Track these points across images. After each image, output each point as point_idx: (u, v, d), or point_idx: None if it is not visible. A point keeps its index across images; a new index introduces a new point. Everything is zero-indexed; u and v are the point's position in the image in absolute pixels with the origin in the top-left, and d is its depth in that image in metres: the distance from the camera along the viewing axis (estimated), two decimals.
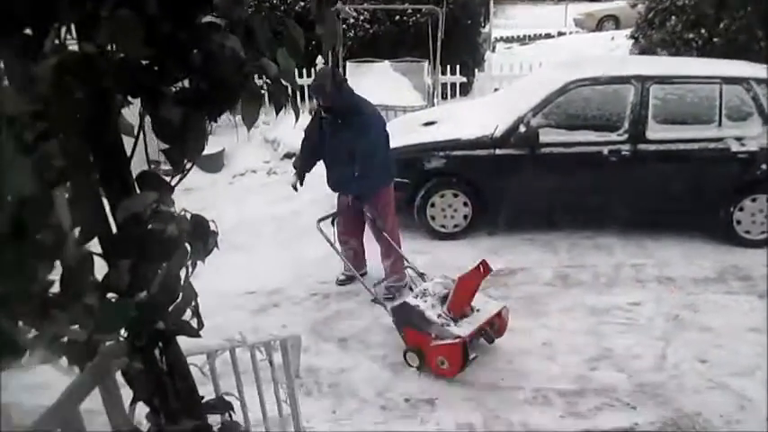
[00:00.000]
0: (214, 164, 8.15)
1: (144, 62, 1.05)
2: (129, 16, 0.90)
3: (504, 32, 19.71)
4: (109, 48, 0.97)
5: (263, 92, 1.23)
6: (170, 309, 1.14)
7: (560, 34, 19.25)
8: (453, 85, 10.17)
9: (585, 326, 4.66)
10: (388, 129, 5.05)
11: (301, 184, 5.35)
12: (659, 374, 4.11)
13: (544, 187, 5.91)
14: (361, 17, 10.88)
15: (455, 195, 6.11)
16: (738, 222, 5.75)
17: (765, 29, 8.18)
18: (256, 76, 1.18)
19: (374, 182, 4.86)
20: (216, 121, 1.19)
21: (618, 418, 3.75)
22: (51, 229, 0.85)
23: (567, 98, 5.84)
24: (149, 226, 1.07)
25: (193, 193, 7.60)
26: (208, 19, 1.11)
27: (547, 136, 5.77)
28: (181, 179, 1.22)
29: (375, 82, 9.70)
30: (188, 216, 1.36)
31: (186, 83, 1.12)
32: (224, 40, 1.05)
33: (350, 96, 4.78)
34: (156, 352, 1.22)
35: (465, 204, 6.12)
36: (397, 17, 10.70)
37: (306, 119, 9.44)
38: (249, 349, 2.35)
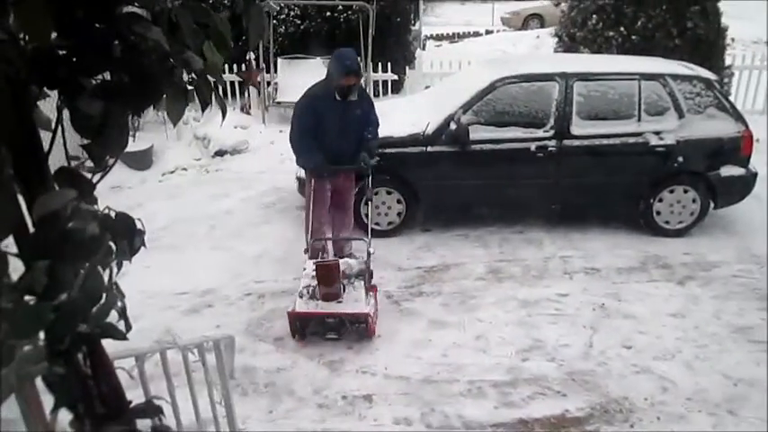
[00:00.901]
0: (142, 161, 7.90)
1: (62, 52, 1.00)
2: (38, 2, 0.86)
3: (433, 30, 19.99)
4: (23, 36, 0.92)
5: (188, 87, 1.19)
6: (93, 311, 1.09)
7: (488, 32, 19.68)
8: (385, 82, 10.21)
9: (517, 318, 4.77)
10: None
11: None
12: (587, 362, 4.25)
13: (475, 184, 6.02)
14: (292, 13, 10.79)
15: (389, 193, 6.13)
16: (658, 213, 6.01)
17: (679, 26, 8.58)
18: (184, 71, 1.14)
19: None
20: (140, 116, 1.15)
21: (549, 406, 3.86)
22: None
23: (495, 96, 5.95)
24: (69, 225, 1.02)
25: (121, 192, 7.38)
26: (129, 9, 1.07)
27: (476, 133, 5.86)
28: (103, 176, 1.18)
29: (307, 78, 9.59)
30: (112, 214, 1.31)
31: (108, 76, 1.08)
32: (146, 32, 1.02)
33: None
34: (80, 356, 1.17)
35: (398, 202, 6.15)
36: (328, 13, 10.65)
37: (232, 115, 9.33)
38: (181, 351, 2.29)
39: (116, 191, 7.32)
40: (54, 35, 0.94)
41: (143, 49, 1.03)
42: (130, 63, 1.04)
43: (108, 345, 1.41)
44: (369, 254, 4.91)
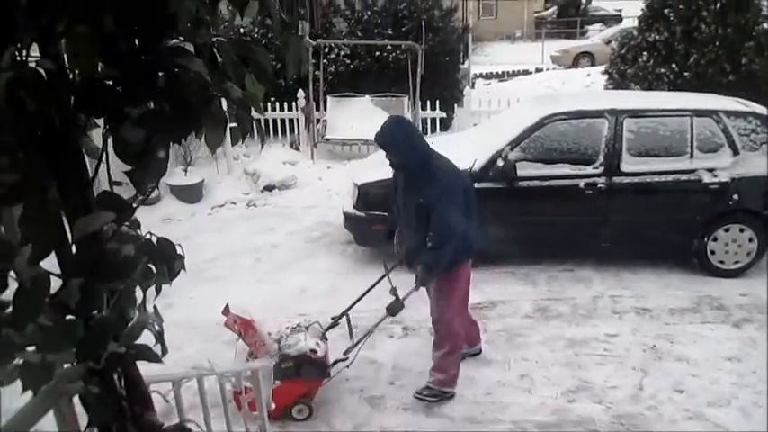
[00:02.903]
0: (193, 195, 8.13)
1: (108, 82, 1.05)
2: (85, 33, 0.90)
3: (483, 69, 20.12)
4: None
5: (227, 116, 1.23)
6: (124, 330, 1.12)
7: (538, 71, 19.69)
8: (433, 120, 10.29)
9: (564, 358, 4.65)
10: (470, 193, 4.12)
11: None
12: (637, 405, 4.09)
13: (523, 220, 5.96)
14: (342, 52, 11.03)
15: None
16: (712, 252, 5.81)
17: (733, 63, 8.41)
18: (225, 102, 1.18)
19: (448, 256, 3.91)
20: (180, 144, 1.19)
21: None
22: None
23: (544, 132, 5.92)
24: (106, 246, 1.06)
25: (172, 224, 7.59)
26: (174, 43, 1.12)
27: (524, 170, 5.83)
28: (142, 200, 1.21)
29: (356, 116, 9.81)
30: (154, 239, 1.35)
31: (151, 105, 1.12)
32: (188, 63, 1.06)
33: (423, 152, 3.87)
34: (115, 377, 1.19)
35: None
36: (378, 53, 10.85)
37: (281, 151, 9.52)
38: (218, 378, 2.31)
39: (167, 223, 7.53)
40: (101, 66, 0.98)
41: (184, 79, 1.07)
42: (173, 93, 1.08)
43: (146, 369, 1.44)
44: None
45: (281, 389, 3.64)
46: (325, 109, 10.18)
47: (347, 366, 4.17)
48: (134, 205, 1.22)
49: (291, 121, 10.47)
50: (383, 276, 4.35)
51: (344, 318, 4.46)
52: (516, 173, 5.81)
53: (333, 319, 4.50)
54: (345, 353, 4.14)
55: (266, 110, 10.51)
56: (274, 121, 10.54)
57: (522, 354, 4.73)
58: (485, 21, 32.87)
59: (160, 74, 1.08)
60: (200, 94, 1.09)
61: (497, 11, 34.51)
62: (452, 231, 3.80)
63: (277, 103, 10.52)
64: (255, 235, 7.19)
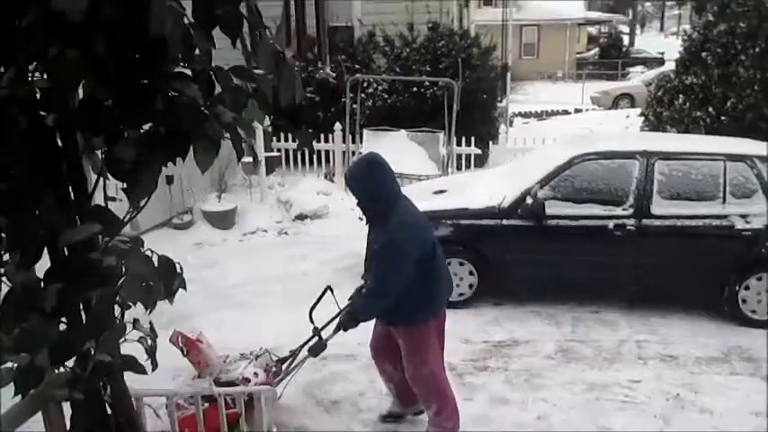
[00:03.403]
0: (226, 221, 8.28)
1: (108, 103, 1.12)
2: (74, 57, 0.97)
3: (522, 107, 20.18)
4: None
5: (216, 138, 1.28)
6: (100, 338, 1.17)
7: (577, 111, 19.66)
8: (468, 156, 10.32)
9: (583, 401, 4.55)
10: (437, 249, 3.81)
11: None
12: None
13: (550, 259, 5.92)
14: (380, 87, 11.20)
15: (461, 264, 6.11)
16: (744, 301, 5.65)
17: None
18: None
19: (377, 311, 3.81)
20: (174, 164, 1.25)
21: None
22: None
23: (574, 171, 5.90)
24: (90, 255, 1.11)
25: (203, 248, 7.73)
26: (175, 69, 1.18)
27: (553, 208, 5.81)
28: (132, 217, 1.27)
29: (391, 150, 9.88)
30: (155, 258, 1.41)
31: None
32: (183, 88, 1.12)
33: (387, 199, 3.58)
34: (101, 386, 1.24)
35: (471, 273, 6.12)
36: (415, 89, 10.98)
37: (315, 181, 9.66)
38: (216, 397, 2.33)
39: (199, 247, 7.68)
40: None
41: (178, 103, 1.13)
42: (168, 116, 1.14)
43: (143, 383, 1.49)
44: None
45: (208, 411, 3.40)
46: (361, 142, 10.31)
47: (277, 399, 4.06)
48: (126, 220, 1.28)
49: (327, 152, 10.64)
50: (315, 301, 4.24)
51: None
52: (545, 211, 5.79)
53: (290, 352, 4.34)
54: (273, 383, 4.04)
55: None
56: (310, 151, 10.72)
57: (541, 395, 4.65)
58: (526, 60, 33.03)
59: (158, 97, 1.14)
60: (192, 118, 1.15)
61: (539, 51, 34.65)
62: (386, 287, 3.58)
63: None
64: (285, 263, 7.27)
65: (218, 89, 1.23)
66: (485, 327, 5.80)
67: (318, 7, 9.90)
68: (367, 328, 5.62)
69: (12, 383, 1.20)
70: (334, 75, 11.35)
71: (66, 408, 1.36)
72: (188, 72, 1.17)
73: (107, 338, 1.16)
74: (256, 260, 7.36)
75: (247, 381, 3.91)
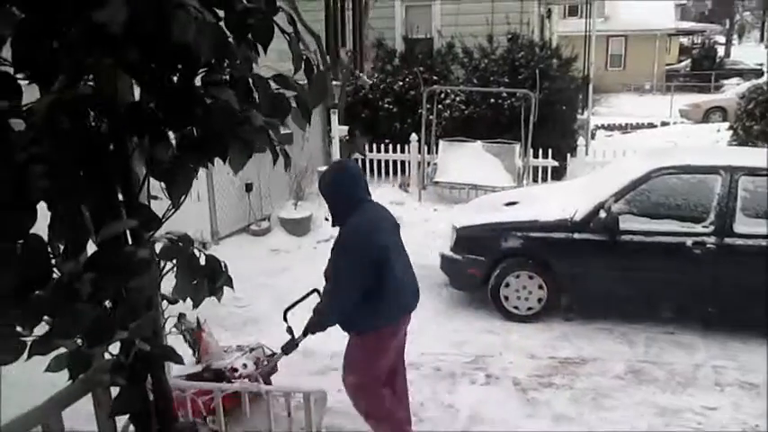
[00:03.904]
0: (301, 228, 8.49)
1: (151, 107, 1.20)
2: (110, 64, 1.05)
3: (606, 120, 19.67)
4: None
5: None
6: (132, 325, 1.24)
7: (664, 124, 18.95)
8: (545, 168, 10.16)
9: (652, 426, 4.37)
10: (385, 253, 3.52)
11: None
12: None
13: (624, 276, 5.73)
14: (458, 98, 11.20)
15: (530, 277, 6.02)
16: None
17: None
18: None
19: (335, 318, 3.70)
20: (207, 167, 1.32)
21: None
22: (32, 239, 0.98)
23: (651, 186, 5.70)
24: (125, 248, 1.19)
25: (278, 254, 7.95)
26: (214, 76, 1.25)
27: (627, 223, 5.63)
28: (171, 214, 1.34)
29: (466, 161, 9.89)
30: (202, 258, 1.48)
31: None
32: (219, 93, 1.19)
33: (349, 206, 3.52)
34: (145, 375, 1.32)
35: (540, 287, 6.02)
36: (492, 100, 10.91)
37: (390, 191, 9.74)
38: (265, 396, 2.39)
39: (274, 253, 7.90)
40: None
41: (213, 108, 1.20)
42: (205, 120, 1.21)
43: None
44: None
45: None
46: (436, 152, 10.34)
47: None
48: (164, 217, 1.35)
49: (403, 162, 10.74)
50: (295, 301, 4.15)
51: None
52: (619, 226, 5.62)
53: (281, 348, 4.20)
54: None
55: (378, 151, 10.85)
56: (386, 162, 10.84)
57: (607, 416, 4.49)
58: (612, 72, 32.09)
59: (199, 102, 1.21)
60: (226, 121, 1.21)
61: (626, 62, 33.60)
62: (338, 289, 3.56)
63: (390, 145, 10.83)
64: None
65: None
66: (552, 342, 5.67)
67: (357, 19, 10.10)
68: (432, 338, 5.65)
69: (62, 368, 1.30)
70: (370, 83, 11.54)
71: (115, 392, 1.45)
72: (225, 78, 1.23)
73: (139, 327, 1.23)
74: None
75: (234, 370, 4.01)
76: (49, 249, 1.16)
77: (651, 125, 18.84)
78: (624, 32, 32.62)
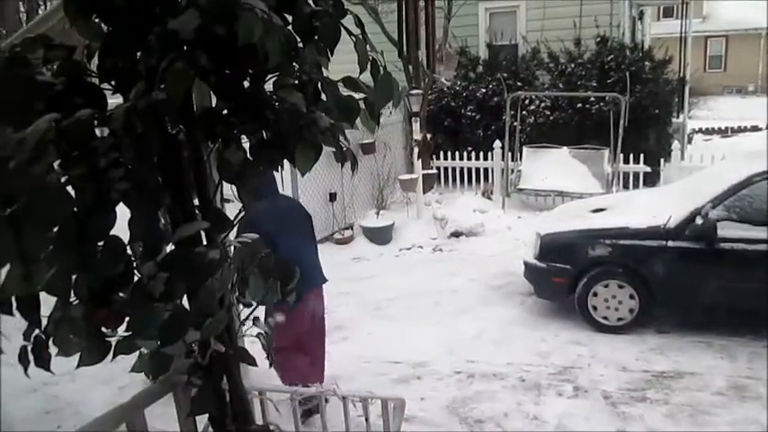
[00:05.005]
0: (383, 236, 8.55)
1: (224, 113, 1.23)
2: (181, 69, 1.08)
3: (704, 124, 18.77)
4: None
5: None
6: (204, 324, 1.26)
7: None
8: (637, 174, 9.77)
9: None
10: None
11: None
12: None
13: (723, 286, 5.41)
14: (543, 104, 10.97)
15: (620, 287, 5.78)
16: None
17: None
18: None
19: None
20: (277, 170, 1.34)
21: None
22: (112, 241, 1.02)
23: (753, 191, 5.35)
24: (196, 249, 1.22)
25: (360, 262, 8.05)
26: (285, 80, 1.27)
27: (726, 230, 5.31)
28: (242, 217, 1.37)
29: (551, 167, 9.66)
30: (273, 258, 1.50)
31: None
32: (286, 96, 1.21)
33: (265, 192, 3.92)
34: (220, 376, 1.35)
35: (631, 297, 5.76)
36: (579, 105, 10.61)
37: (473, 199, 9.63)
38: (341, 401, 2.39)
39: (357, 261, 7.99)
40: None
41: (281, 110, 1.21)
42: (275, 123, 1.23)
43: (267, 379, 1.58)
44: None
45: None
46: (520, 159, 10.16)
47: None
48: (236, 220, 1.38)
49: (486, 170, 10.62)
50: None
51: None
52: (717, 233, 5.31)
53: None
54: None
55: (461, 158, 10.78)
56: (469, 169, 10.76)
57: None
58: (711, 74, 30.44)
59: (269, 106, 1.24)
60: (293, 123, 1.22)
61: (726, 63, 31.80)
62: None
63: (473, 153, 10.74)
64: (437, 279, 7.33)
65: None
66: (646, 355, 5.41)
67: (429, 20, 10.06)
68: (516, 348, 5.52)
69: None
70: (448, 84, 11.43)
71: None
72: (295, 82, 1.25)
73: (211, 326, 1.26)
74: (410, 275, 7.50)
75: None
76: (130, 251, 1.22)
77: (755, 128, 17.74)
78: (725, 32, 30.90)
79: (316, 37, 1.26)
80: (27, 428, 4.52)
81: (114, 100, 1.39)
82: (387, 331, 5.87)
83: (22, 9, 20.46)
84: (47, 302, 1.52)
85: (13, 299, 1.25)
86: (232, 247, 1.51)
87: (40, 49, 1.35)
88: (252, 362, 1.40)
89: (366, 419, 2.41)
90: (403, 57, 10.33)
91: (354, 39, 1.32)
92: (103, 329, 1.24)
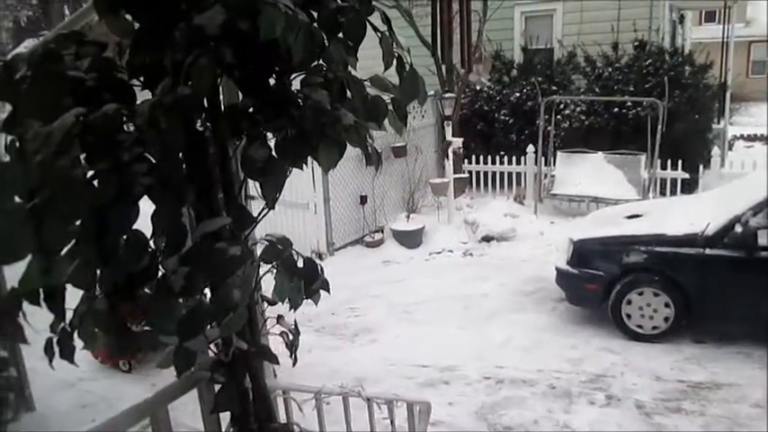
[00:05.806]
0: (413, 240, 8.52)
1: (250, 110, 1.23)
2: (205, 64, 1.08)
3: (746, 130, 18.30)
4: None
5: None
6: (224, 320, 1.26)
7: None
8: (674, 180, 9.55)
9: None
10: None
11: None
12: None
13: (763, 296, 5.24)
14: (578, 109, 10.82)
15: (655, 294, 5.65)
16: None
17: None
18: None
19: None
20: (301, 168, 1.33)
21: None
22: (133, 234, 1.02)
23: None
24: (217, 245, 1.22)
25: (390, 266, 8.03)
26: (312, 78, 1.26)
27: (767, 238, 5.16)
28: (266, 214, 1.36)
29: (585, 173, 9.51)
30: (300, 261, 1.50)
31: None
32: (311, 93, 1.20)
33: None
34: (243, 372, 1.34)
35: (667, 305, 5.63)
36: (616, 109, 10.43)
37: (504, 203, 9.54)
38: (366, 402, 2.36)
39: (386, 264, 7.97)
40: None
41: (305, 107, 1.21)
42: (300, 120, 1.22)
43: (291, 378, 1.57)
44: None
45: None
46: (554, 164, 10.04)
47: None
48: (259, 217, 1.38)
49: (518, 174, 10.52)
50: None
51: None
52: (757, 241, 5.16)
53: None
54: None
55: (494, 163, 10.69)
56: (501, 174, 10.66)
57: None
58: (754, 80, 29.65)
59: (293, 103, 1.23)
60: (316, 121, 1.21)
61: None
62: None
63: (506, 157, 10.64)
64: (467, 283, 7.27)
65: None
66: (681, 365, 5.28)
67: (464, 20, 9.98)
68: (547, 354, 5.44)
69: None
70: (487, 83, 11.34)
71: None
72: (320, 80, 1.24)
73: (230, 323, 1.26)
74: (440, 279, 7.46)
75: None
76: (153, 247, 1.23)
77: None
78: None
79: (341, 34, 1.25)
80: (64, 422, 4.64)
81: (146, 96, 1.41)
82: (415, 334, 5.84)
83: (66, 12, 21.00)
84: (76, 296, 1.55)
85: (41, 291, 1.27)
86: (258, 246, 1.52)
87: (73, 46, 1.37)
88: (274, 360, 1.39)
89: (391, 422, 2.38)
90: (436, 59, 10.29)
91: (380, 35, 1.30)
92: (128, 324, 1.25)
